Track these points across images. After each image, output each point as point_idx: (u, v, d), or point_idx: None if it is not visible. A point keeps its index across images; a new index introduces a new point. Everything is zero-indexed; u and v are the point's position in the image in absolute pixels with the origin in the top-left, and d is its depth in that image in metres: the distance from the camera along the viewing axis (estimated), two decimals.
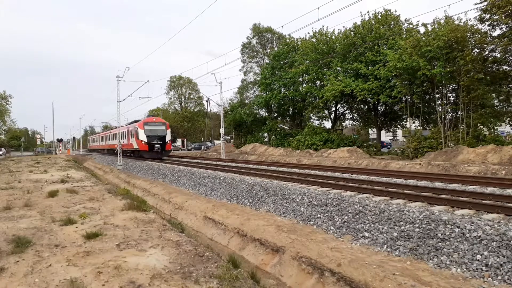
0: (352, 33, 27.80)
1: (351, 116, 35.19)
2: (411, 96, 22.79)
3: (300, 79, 34.74)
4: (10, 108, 54.92)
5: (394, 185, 10.42)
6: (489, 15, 18.55)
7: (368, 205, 7.74)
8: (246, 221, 9.03)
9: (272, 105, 39.07)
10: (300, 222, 8.47)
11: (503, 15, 17.36)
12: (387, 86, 24.25)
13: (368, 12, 28.67)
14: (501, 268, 4.90)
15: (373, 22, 26.97)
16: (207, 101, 63.08)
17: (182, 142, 67.69)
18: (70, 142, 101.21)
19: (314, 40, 30.74)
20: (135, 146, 30.25)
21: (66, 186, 12.96)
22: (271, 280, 6.36)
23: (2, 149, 59.35)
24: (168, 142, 30.10)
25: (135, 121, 33.74)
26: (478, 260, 5.16)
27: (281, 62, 36.53)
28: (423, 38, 20.43)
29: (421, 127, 24.77)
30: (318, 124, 38.49)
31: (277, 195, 10.23)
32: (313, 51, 30.00)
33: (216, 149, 42.97)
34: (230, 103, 51.22)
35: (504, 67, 19.60)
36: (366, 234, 6.93)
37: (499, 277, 4.80)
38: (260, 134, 43.08)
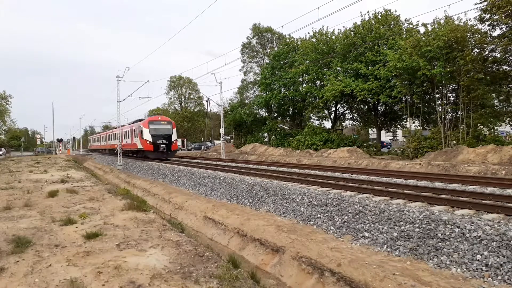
0: (352, 33, 27.80)
1: (351, 116, 35.23)
2: (411, 96, 22.79)
3: (300, 79, 34.75)
4: (10, 108, 55.15)
5: (394, 185, 10.42)
6: (489, 15, 18.56)
7: (368, 205, 7.74)
8: (246, 221, 9.03)
9: (272, 105, 39.07)
10: (300, 222, 8.47)
11: (503, 15, 17.36)
12: (387, 86, 24.25)
13: (368, 12, 28.71)
14: (501, 268, 4.90)
15: (373, 22, 26.98)
16: (207, 101, 63.15)
17: (182, 142, 67.65)
18: (70, 142, 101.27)
19: (314, 40, 30.74)
20: (139, 146, 29.11)
21: (66, 186, 12.96)
22: (271, 280, 6.36)
23: (2, 149, 59.39)
24: (174, 142, 28.78)
25: (139, 120, 32.80)
26: (478, 260, 5.16)
27: (281, 62, 36.53)
28: (423, 38, 20.43)
29: (421, 127, 24.76)
30: (318, 124, 38.55)
31: (277, 195, 10.23)
32: (313, 51, 30.00)
33: (216, 149, 42.97)
34: (230, 103, 51.23)
35: (504, 67, 19.61)
36: (366, 234, 6.93)
37: (499, 277, 4.80)
38: (260, 134, 43.08)
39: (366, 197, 8.96)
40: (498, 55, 19.22)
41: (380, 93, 24.51)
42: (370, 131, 43.68)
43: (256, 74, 45.66)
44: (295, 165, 21.31)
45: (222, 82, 32.07)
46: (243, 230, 8.64)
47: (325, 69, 30.41)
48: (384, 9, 27.30)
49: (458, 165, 15.60)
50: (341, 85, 26.30)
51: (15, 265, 4.73)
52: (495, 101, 21.56)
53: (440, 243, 5.79)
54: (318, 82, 32.14)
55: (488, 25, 19.07)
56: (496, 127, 21.79)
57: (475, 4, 18.69)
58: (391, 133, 41.51)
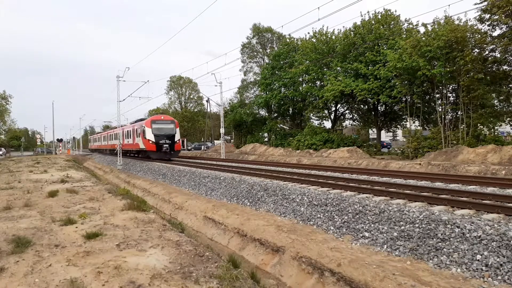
0: (352, 33, 27.81)
1: (351, 116, 35.24)
2: (411, 96, 22.80)
3: (300, 79, 34.75)
4: (10, 108, 55.12)
5: (394, 185, 10.42)
6: (489, 15, 18.57)
7: (368, 205, 7.74)
8: (246, 221, 9.03)
9: (272, 105, 39.07)
10: (300, 222, 8.47)
11: (503, 15, 17.36)
12: (387, 86, 24.25)
13: (368, 12, 28.71)
14: (501, 268, 4.90)
15: (373, 22, 26.98)
16: (207, 101, 63.10)
17: (182, 142, 67.60)
18: (70, 142, 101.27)
19: (314, 40, 30.75)
20: (142, 146, 28.46)
21: (66, 186, 12.96)
22: (271, 280, 6.36)
23: (2, 149, 59.41)
24: (178, 141, 28.03)
25: (141, 119, 32.27)
26: (478, 260, 5.16)
27: (281, 62, 36.53)
28: (423, 38, 20.44)
29: (421, 127, 24.76)
30: (318, 124, 38.55)
31: (277, 195, 10.23)
32: (313, 51, 30.01)
33: (216, 149, 42.96)
34: (230, 103, 51.23)
35: (504, 67, 19.61)
36: (366, 234, 6.93)
37: (499, 277, 4.80)
38: (260, 134, 43.08)
39: (366, 197, 8.96)
40: (498, 55, 19.23)
41: (380, 93, 24.51)
42: (370, 131, 43.68)
43: (256, 74, 45.68)
44: (295, 165, 21.31)
45: (222, 82, 32.14)
46: (243, 230, 8.64)
47: (325, 69, 30.41)
48: (384, 9, 27.35)
49: (458, 165, 15.60)
50: (341, 85, 26.30)
51: (15, 265, 4.73)
52: (495, 101, 21.57)
53: (440, 243, 5.79)
54: (318, 82, 32.15)
55: (488, 25, 19.09)
56: (496, 127, 21.79)
57: (475, 4, 18.72)
58: (391, 133, 41.51)
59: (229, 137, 61.25)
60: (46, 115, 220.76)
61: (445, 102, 21.37)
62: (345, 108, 34.48)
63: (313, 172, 16.15)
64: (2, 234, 6.24)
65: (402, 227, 6.57)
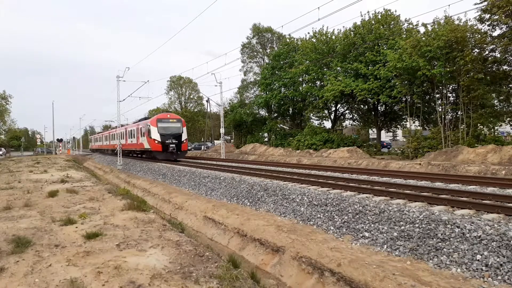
0: (352, 33, 27.81)
1: (351, 116, 35.24)
2: (411, 96, 22.80)
3: (300, 79, 34.75)
4: (10, 108, 55.04)
5: (394, 185, 10.42)
6: (489, 15, 18.57)
7: (368, 205, 7.74)
8: (246, 221, 9.03)
9: (272, 105, 39.08)
10: (300, 222, 8.47)
11: (503, 15, 17.37)
12: (387, 86, 24.25)
13: (368, 12, 28.71)
14: (501, 268, 4.90)
15: (373, 22, 26.98)
16: (207, 101, 63.11)
17: None
18: (70, 142, 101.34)
19: (314, 40, 30.75)
20: (147, 145, 27.19)
21: (66, 186, 12.97)
22: (271, 280, 6.36)
23: (2, 149, 59.42)
24: (184, 141, 26.76)
25: (145, 118, 31.14)
26: (478, 260, 5.16)
27: (281, 62, 36.53)
28: (423, 38, 20.44)
29: (421, 127, 24.77)
30: (318, 124, 38.56)
31: (277, 195, 10.23)
32: (313, 51, 30.01)
33: (216, 149, 42.97)
34: (230, 103, 51.23)
35: (504, 67, 19.62)
36: (366, 234, 6.93)
37: (499, 277, 4.81)
38: (260, 134, 43.08)
39: (366, 197, 8.96)
40: (498, 55, 19.23)
41: (380, 93, 24.51)
42: (370, 131, 43.68)
43: (256, 74, 45.68)
44: (295, 165, 21.32)
45: (222, 82, 32.14)
46: (243, 230, 8.65)
47: (325, 69, 30.41)
48: (384, 9, 27.34)
49: (458, 165, 15.60)
50: (341, 85, 26.30)
51: (15, 265, 4.73)
52: (495, 101, 21.57)
53: (440, 243, 5.79)
54: (318, 82, 32.15)
55: (488, 25, 19.09)
56: (496, 127, 21.80)
57: (475, 4, 18.72)
58: (391, 133, 41.52)
59: (229, 137, 61.27)
60: (46, 115, 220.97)
61: (445, 102, 21.37)
62: (345, 108, 34.48)
63: (313, 172, 16.15)
64: (2, 234, 6.24)
65: (402, 227, 6.57)
